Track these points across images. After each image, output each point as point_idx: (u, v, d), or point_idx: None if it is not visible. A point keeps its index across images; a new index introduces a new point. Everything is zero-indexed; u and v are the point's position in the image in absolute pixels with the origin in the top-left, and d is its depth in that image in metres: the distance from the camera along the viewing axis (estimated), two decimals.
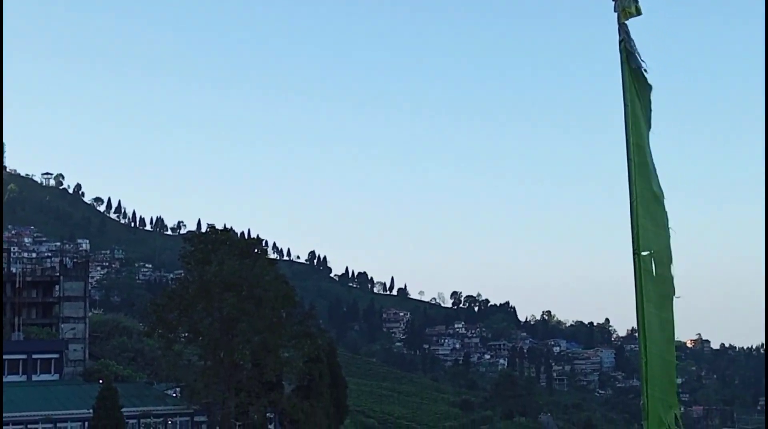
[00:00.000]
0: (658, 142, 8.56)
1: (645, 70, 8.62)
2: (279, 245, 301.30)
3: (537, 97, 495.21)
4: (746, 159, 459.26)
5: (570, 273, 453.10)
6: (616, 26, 8.53)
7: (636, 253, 8.17)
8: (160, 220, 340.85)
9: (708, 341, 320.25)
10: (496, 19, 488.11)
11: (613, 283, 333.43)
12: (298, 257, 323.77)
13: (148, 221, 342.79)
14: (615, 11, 8.51)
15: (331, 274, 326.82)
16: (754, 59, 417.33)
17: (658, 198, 8.63)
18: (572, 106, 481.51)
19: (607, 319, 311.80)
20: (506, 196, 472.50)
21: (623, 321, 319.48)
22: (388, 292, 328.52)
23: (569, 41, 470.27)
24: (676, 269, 8.64)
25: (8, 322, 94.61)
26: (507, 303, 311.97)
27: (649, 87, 8.71)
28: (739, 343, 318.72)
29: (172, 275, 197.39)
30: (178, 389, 77.02)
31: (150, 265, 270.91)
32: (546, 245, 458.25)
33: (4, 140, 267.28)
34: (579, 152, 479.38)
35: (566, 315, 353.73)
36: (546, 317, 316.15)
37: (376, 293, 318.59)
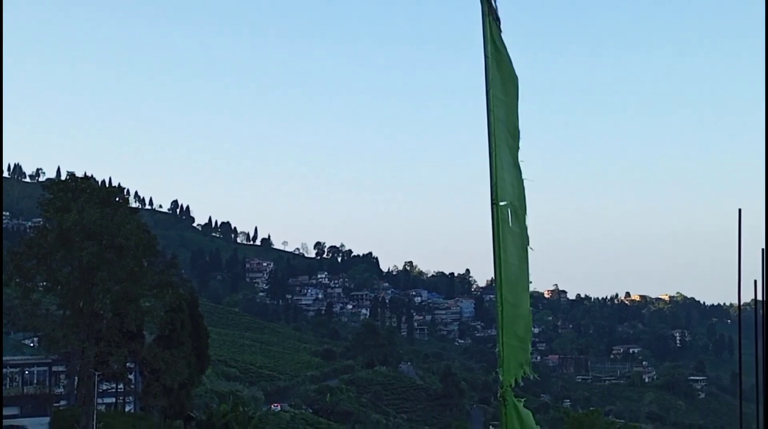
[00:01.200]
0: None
1: (499, 25, 8.61)
2: (141, 194, 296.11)
3: (400, 38, 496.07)
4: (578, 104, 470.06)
5: (432, 224, 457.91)
6: None
7: (494, 203, 8.18)
8: (18, 167, 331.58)
9: (564, 292, 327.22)
10: None
11: (474, 234, 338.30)
12: (161, 206, 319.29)
13: (5, 168, 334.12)
14: None
15: (194, 224, 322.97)
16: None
17: (514, 150, 8.69)
18: (435, 49, 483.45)
19: (467, 270, 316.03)
20: (369, 146, 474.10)
21: (483, 272, 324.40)
22: (251, 243, 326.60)
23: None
24: (530, 220, 8.80)
25: None
26: (370, 253, 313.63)
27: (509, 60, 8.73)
28: (593, 294, 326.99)
29: (30, 223, 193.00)
30: (35, 339, 75.69)
31: (8, 214, 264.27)
32: (408, 197, 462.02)
33: None
34: (439, 104, 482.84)
35: (428, 266, 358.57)
36: (408, 268, 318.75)
37: (239, 243, 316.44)
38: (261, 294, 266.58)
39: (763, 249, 13.40)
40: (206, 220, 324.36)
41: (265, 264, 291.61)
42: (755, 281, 13.58)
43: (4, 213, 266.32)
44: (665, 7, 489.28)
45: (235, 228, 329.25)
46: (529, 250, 8.75)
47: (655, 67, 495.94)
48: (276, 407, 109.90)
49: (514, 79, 8.84)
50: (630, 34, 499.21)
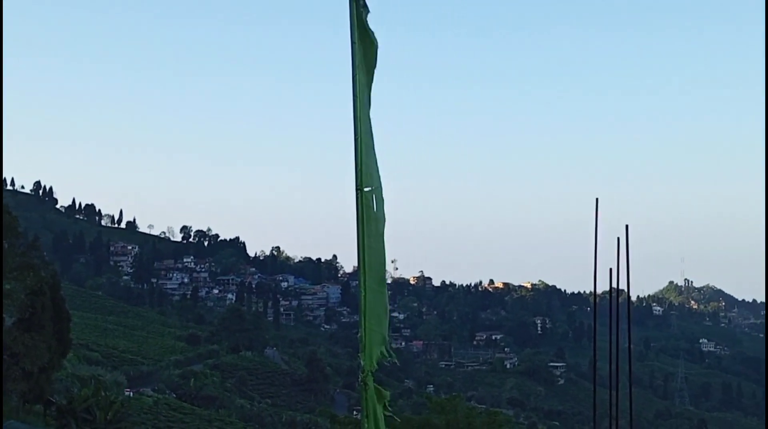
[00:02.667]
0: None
1: (365, 12, 8.66)
2: (2, 175, 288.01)
3: (269, 16, 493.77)
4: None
5: (299, 209, 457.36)
6: None
7: (359, 189, 8.26)
8: None
9: (430, 278, 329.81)
10: None
11: (341, 220, 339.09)
12: (23, 187, 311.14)
13: None
14: None
15: (57, 206, 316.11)
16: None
17: (372, 136, 8.72)
18: (304, 34, 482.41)
19: (335, 256, 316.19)
20: (237, 130, 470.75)
21: (350, 258, 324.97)
22: (116, 225, 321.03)
23: None
24: (396, 207, 8.91)
25: None
26: (237, 238, 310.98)
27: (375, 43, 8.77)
28: (458, 281, 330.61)
29: None
30: None
31: None
32: (276, 181, 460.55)
33: None
34: (306, 89, 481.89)
35: (295, 251, 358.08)
36: (275, 253, 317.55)
37: (103, 226, 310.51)
38: (125, 277, 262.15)
39: (618, 238, 13.85)
40: (70, 202, 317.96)
41: (129, 247, 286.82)
42: (610, 269, 14.02)
43: None
44: None
45: (99, 210, 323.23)
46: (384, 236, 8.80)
47: (518, 51, 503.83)
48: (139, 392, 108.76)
49: (375, 64, 8.82)
50: (487, 19, 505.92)
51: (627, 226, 13.63)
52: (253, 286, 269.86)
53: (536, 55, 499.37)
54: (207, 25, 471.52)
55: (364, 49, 8.66)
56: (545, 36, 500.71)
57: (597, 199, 13.53)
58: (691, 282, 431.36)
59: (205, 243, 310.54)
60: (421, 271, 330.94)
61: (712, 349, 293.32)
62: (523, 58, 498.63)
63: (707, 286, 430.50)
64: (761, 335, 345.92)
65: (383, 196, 8.82)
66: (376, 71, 8.85)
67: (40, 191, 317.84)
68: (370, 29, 8.71)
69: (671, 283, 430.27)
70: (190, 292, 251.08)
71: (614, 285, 13.86)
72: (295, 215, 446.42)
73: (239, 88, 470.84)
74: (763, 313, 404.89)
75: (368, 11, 8.66)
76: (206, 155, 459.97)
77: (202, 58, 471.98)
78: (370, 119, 8.74)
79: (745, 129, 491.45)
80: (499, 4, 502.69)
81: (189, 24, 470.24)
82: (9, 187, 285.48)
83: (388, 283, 9.28)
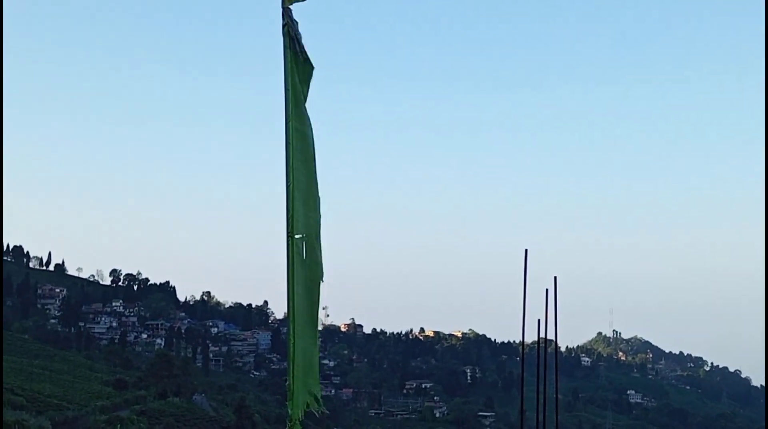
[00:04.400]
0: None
1: (305, 58, 8.75)
2: None
3: (202, 61, 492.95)
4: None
5: (230, 254, 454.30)
6: (280, 10, 8.63)
7: (290, 236, 8.28)
8: None
9: (361, 326, 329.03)
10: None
11: (272, 266, 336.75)
12: None
13: None
14: None
15: None
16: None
17: (312, 183, 8.79)
18: (237, 83, 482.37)
19: (265, 301, 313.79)
20: (166, 171, 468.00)
21: (281, 304, 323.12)
22: (45, 268, 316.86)
23: (233, 24, 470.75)
24: (327, 254, 8.95)
25: None
26: (167, 282, 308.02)
27: (310, 70, 8.87)
28: (389, 329, 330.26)
29: None
30: None
31: None
32: (207, 225, 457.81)
33: None
34: (238, 132, 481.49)
35: (226, 296, 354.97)
36: (206, 298, 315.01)
37: (32, 268, 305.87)
38: (53, 321, 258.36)
39: (547, 289, 14.06)
40: None
41: (58, 290, 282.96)
42: (539, 320, 14.21)
43: None
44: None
45: (27, 252, 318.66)
46: (321, 285, 8.85)
47: (452, 103, 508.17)
48: None
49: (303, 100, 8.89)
50: (420, 73, 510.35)
51: (555, 278, 13.87)
52: (183, 331, 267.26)
53: (469, 108, 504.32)
54: (138, 69, 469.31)
55: (298, 96, 8.71)
56: (475, 90, 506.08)
57: (526, 250, 13.76)
58: (620, 333, 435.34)
59: (135, 287, 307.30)
60: (352, 319, 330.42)
61: (639, 400, 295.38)
62: (457, 110, 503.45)
63: (635, 338, 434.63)
64: (688, 387, 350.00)
65: (320, 245, 8.87)
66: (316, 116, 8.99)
67: None
68: (304, 52, 8.79)
69: (600, 334, 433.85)
70: (118, 337, 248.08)
71: (543, 335, 14.05)
72: (227, 260, 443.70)
73: (170, 131, 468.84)
74: (689, 364, 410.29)
75: (297, 26, 8.70)
76: (138, 198, 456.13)
77: (131, 100, 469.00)
78: (314, 163, 8.84)
79: (674, 183, 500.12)
80: (431, 58, 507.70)
81: (119, 68, 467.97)
82: None
83: (319, 330, 9.30)
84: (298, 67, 8.74)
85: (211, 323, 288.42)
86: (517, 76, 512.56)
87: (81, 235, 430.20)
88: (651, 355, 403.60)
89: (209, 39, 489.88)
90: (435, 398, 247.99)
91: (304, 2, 8.75)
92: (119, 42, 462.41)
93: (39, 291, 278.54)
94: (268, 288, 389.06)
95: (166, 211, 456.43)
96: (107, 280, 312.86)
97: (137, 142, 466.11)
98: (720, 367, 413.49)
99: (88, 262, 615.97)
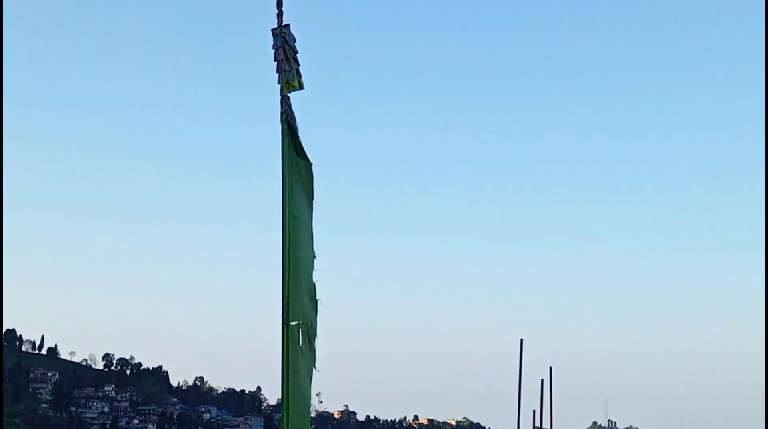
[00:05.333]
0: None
1: (301, 146, 8.76)
2: None
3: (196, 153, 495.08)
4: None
5: (224, 339, 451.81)
6: (279, 98, 8.63)
7: (285, 323, 8.20)
8: None
9: (354, 413, 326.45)
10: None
11: (266, 352, 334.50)
12: None
13: None
14: (278, 83, 8.61)
15: None
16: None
17: (309, 269, 8.73)
18: (233, 168, 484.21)
19: (258, 387, 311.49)
20: (160, 256, 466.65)
21: (274, 390, 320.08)
22: (37, 351, 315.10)
23: (231, 106, 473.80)
24: (320, 341, 8.88)
25: None
26: (160, 367, 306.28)
27: (309, 163, 8.88)
28: (383, 416, 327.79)
29: None
30: None
31: None
32: (201, 310, 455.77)
33: None
34: (233, 218, 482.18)
35: (219, 381, 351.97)
36: (198, 383, 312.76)
37: (24, 351, 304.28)
38: (44, 405, 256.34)
39: (542, 379, 14.05)
40: None
41: (50, 374, 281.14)
42: (534, 411, 14.19)
43: None
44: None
45: (20, 336, 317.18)
46: (314, 372, 8.77)
47: (448, 190, 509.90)
48: None
49: (311, 199, 8.93)
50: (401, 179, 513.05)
51: (551, 368, 13.89)
52: (175, 416, 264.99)
53: (466, 198, 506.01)
54: (133, 161, 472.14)
55: (296, 183, 8.72)
56: (473, 182, 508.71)
57: (522, 340, 13.82)
58: (615, 423, 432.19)
59: (128, 371, 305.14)
60: (346, 405, 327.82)
61: None
62: (453, 202, 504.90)
63: (631, 427, 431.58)
64: None
65: (316, 331, 8.84)
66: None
67: None
68: (305, 165, 8.83)
69: (595, 423, 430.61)
70: (109, 422, 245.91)
71: (538, 424, 14.02)
72: (220, 345, 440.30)
73: (164, 217, 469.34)
74: None
75: (295, 121, 8.73)
76: (131, 282, 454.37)
77: (123, 192, 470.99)
78: (313, 250, 8.83)
79: (668, 272, 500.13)
80: (424, 153, 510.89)
81: (114, 165, 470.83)
82: None
83: (312, 417, 9.23)
84: (299, 156, 8.78)
85: (203, 408, 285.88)
86: (510, 181, 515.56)
87: (74, 319, 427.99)
88: None
89: (205, 124, 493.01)
90: None
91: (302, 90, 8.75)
92: (113, 132, 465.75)
93: (31, 375, 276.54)
94: (261, 374, 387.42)
95: (160, 296, 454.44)
96: (100, 364, 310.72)
97: (130, 228, 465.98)
98: None
99: (81, 346, 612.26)
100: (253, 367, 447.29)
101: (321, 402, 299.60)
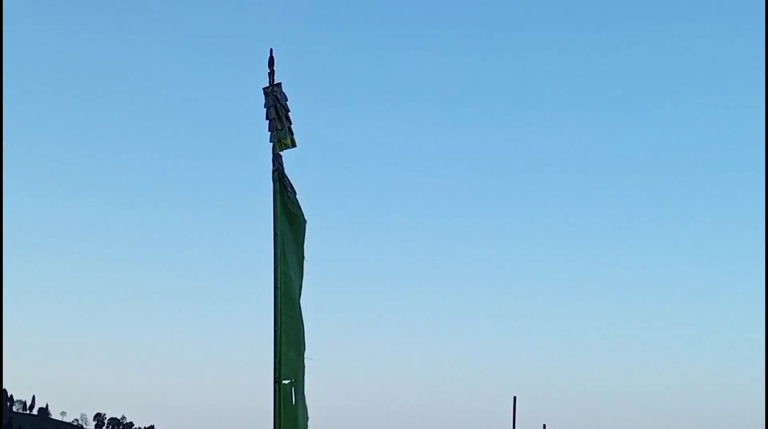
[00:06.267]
0: None
1: (295, 203, 8.73)
2: None
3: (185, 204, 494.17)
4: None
5: (216, 398, 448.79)
6: (271, 156, 8.58)
7: (277, 381, 8.13)
8: None
9: None
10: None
11: (257, 411, 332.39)
12: None
13: None
14: (270, 142, 8.56)
15: None
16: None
17: (300, 328, 8.66)
18: (222, 227, 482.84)
19: None
20: (150, 318, 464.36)
21: None
22: (28, 411, 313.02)
23: (222, 168, 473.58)
24: (312, 399, 8.73)
25: None
26: (152, 426, 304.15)
27: (304, 220, 8.87)
28: None
29: None
30: None
31: None
32: (192, 369, 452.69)
33: None
34: (222, 275, 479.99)
35: None
36: None
37: (15, 412, 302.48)
38: None
39: None
40: None
41: None
42: None
43: None
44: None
45: (11, 396, 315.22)
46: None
47: (439, 248, 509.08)
48: None
49: (301, 257, 8.90)
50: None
51: (544, 426, 13.76)
52: None
53: (458, 256, 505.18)
54: (125, 204, 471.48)
55: (288, 240, 8.66)
56: (468, 240, 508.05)
57: (515, 398, 13.69)
58: None
59: None
60: None
61: None
62: (444, 257, 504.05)
63: None
64: None
65: (305, 392, 8.75)
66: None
67: None
68: (298, 209, 8.80)
69: None
70: None
71: None
72: (212, 403, 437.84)
73: (154, 277, 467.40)
74: None
75: (295, 193, 8.73)
76: (122, 342, 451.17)
77: (111, 237, 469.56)
78: (300, 309, 8.71)
79: (658, 325, 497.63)
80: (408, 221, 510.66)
81: (105, 201, 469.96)
82: None
83: None
84: (291, 214, 8.74)
85: None
86: (504, 226, 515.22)
87: (65, 379, 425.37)
88: None
89: (196, 179, 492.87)
90: None
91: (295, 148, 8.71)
92: (104, 179, 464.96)
93: None
94: None
95: (151, 355, 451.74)
96: (91, 425, 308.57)
97: (123, 289, 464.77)
98: None
99: (73, 406, 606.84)
100: (246, 425, 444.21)
101: None
